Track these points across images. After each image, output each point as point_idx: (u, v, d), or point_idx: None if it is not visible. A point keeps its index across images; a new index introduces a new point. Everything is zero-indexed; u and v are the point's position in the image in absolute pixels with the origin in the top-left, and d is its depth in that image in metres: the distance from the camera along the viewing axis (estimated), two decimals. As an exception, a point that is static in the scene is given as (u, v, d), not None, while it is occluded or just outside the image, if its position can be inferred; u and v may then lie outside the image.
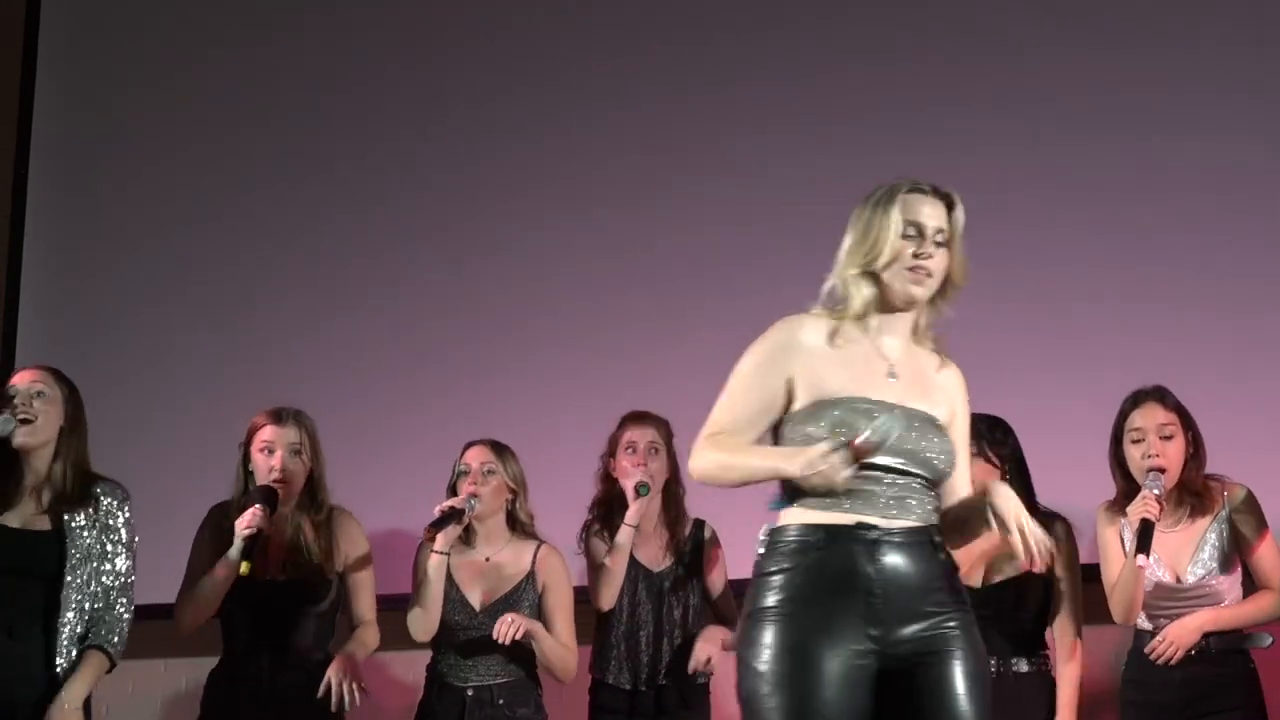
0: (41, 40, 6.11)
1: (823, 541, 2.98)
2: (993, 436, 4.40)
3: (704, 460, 3.08)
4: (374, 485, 4.98)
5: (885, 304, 3.11)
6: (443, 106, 5.74)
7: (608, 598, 4.55)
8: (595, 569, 4.58)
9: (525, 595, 4.44)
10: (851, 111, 5.44)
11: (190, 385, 5.61)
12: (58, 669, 4.00)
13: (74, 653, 4.03)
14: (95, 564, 4.08)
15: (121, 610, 4.11)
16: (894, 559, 2.96)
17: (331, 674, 4.17)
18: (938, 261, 3.06)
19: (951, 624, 2.98)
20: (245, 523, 4.12)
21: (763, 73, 5.54)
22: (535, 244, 5.56)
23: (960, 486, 3.16)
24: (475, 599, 4.42)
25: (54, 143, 6.01)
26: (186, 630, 4.28)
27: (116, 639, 4.09)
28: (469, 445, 4.52)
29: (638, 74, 5.63)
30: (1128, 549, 4.26)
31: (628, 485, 4.54)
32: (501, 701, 4.37)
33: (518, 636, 4.29)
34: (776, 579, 3.00)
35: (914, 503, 3.02)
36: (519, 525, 4.51)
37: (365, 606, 4.38)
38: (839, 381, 3.04)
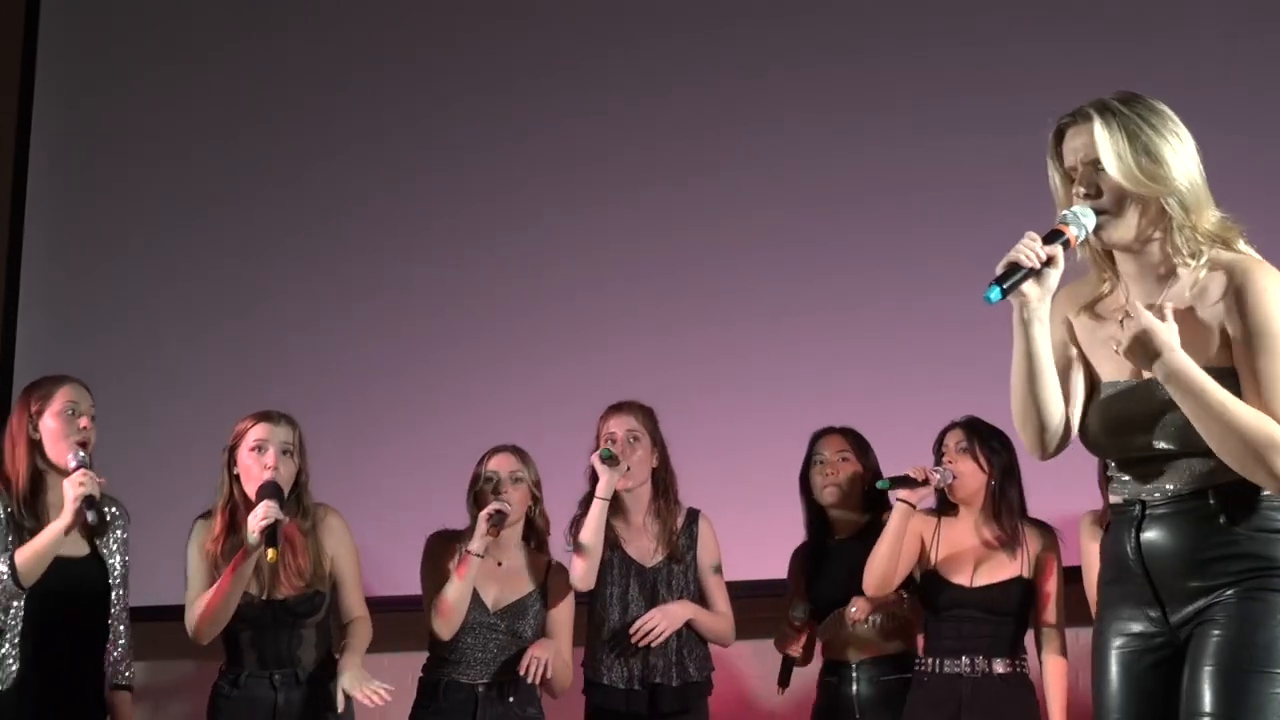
0: (41, 41, 6.10)
1: (1109, 529, 2.87)
2: (989, 443, 4.48)
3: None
4: (364, 487, 4.98)
5: (1109, 255, 2.84)
6: (433, 106, 5.72)
7: (583, 575, 4.47)
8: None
9: (534, 605, 4.50)
10: (842, 105, 5.41)
11: (183, 386, 5.60)
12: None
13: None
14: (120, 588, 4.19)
15: (127, 636, 4.24)
16: (1155, 534, 2.75)
17: (346, 688, 4.17)
18: (1103, 186, 2.75)
19: (1226, 594, 2.69)
20: (261, 515, 4.06)
21: (749, 70, 5.51)
22: (523, 243, 5.54)
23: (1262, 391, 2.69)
24: (488, 598, 4.45)
25: (53, 144, 6.01)
26: (206, 641, 4.25)
27: (130, 670, 4.24)
28: (493, 452, 4.53)
29: (626, 73, 5.61)
30: None
31: (595, 461, 4.48)
32: (512, 699, 4.41)
33: (548, 675, 4.38)
34: (1100, 568, 2.93)
35: (1180, 469, 2.75)
36: (534, 533, 4.56)
37: (356, 602, 4.38)
38: (1098, 368, 2.87)
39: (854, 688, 4.50)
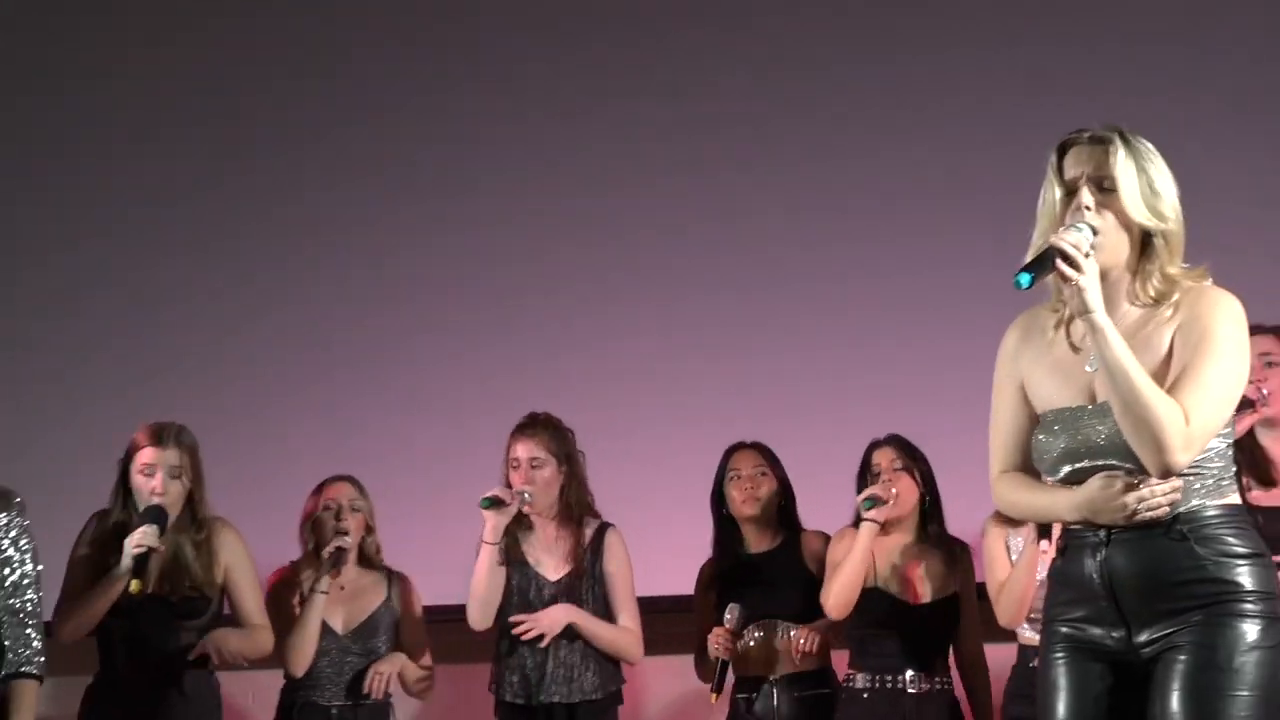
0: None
1: (1064, 549, 2.91)
2: (919, 460, 4.58)
3: (1003, 505, 3.03)
4: (262, 502, 4.93)
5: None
6: (351, 111, 5.62)
7: (476, 618, 4.53)
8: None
9: (383, 620, 4.62)
10: (763, 122, 5.40)
11: (82, 395, 5.52)
12: None
13: None
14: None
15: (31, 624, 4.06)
16: (1122, 558, 2.79)
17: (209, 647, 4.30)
18: (1103, 212, 2.80)
19: (1194, 619, 2.75)
20: (135, 541, 4.16)
21: (672, 84, 5.47)
22: (438, 254, 5.49)
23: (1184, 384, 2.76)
24: (337, 624, 4.57)
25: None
26: (66, 641, 4.29)
27: (38, 655, 4.03)
28: (331, 482, 4.65)
29: (547, 84, 5.55)
30: (1014, 559, 4.34)
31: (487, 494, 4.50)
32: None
33: (389, 688, 4.54)
34: (1048, 586, 2.98)
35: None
36: (367, 558, 4.67)
37: (255, 610, 4.45)
38: (1045, 391, 2.90)
39: (774, 703, 4.53)
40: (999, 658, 4.64)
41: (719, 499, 4.73)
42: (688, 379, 5.29)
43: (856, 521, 4.52)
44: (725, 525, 4.73)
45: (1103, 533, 2.81)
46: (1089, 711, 2.83)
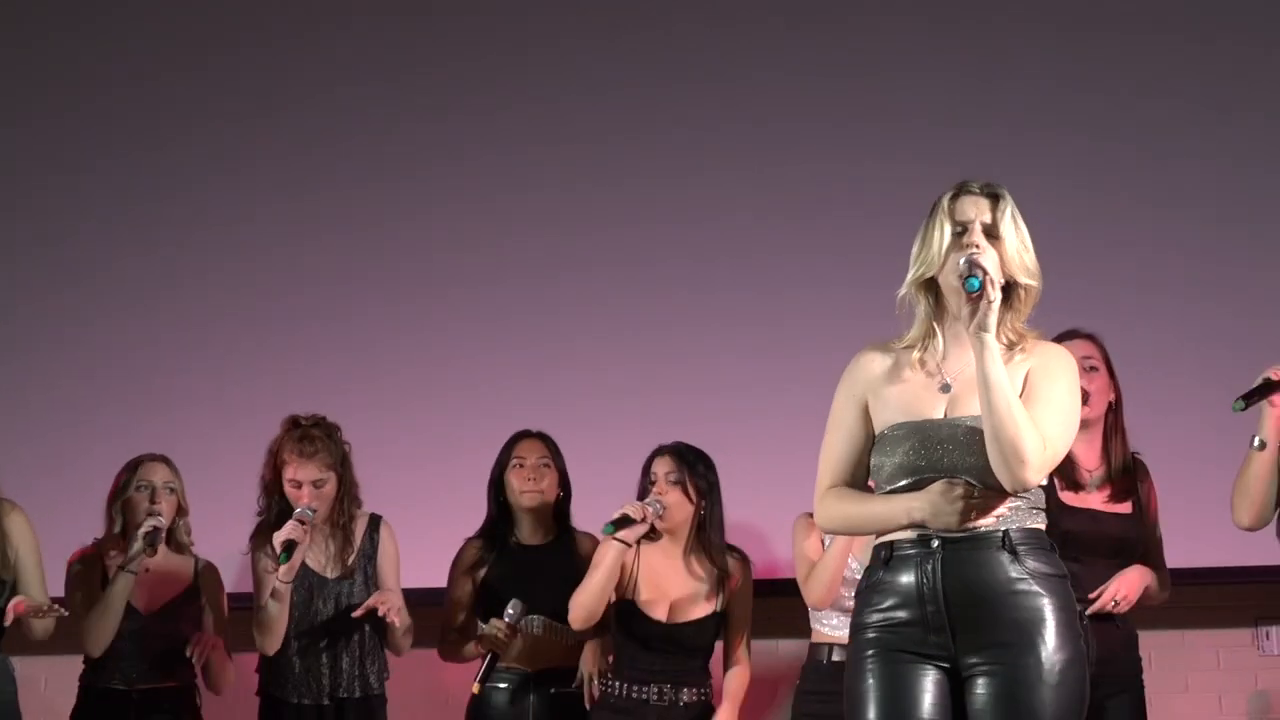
0: None
1: (889, 556, 3.09)
2: (698, 472, 4.47)
3: (829, 518, 3.23)
4: (70, 483, 4.94)
5: (947, 313, 3.16)
6: (154, 124, 5.54)
7: (269, 644, 4.45)
8: (258, 608, 4.48)
9: (188, 605, 4.57)
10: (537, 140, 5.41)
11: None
12: None
13: None
14: None
15: None
16: (951, 568, 3.04)
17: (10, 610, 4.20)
18: (987, 255, 3.08)
19: (1015, 628, 3.01)
20: None
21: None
22: (200, 246, 5.46)
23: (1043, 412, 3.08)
24: (140, 604, 4.49)
25: None
26: None
27: None
28: (146, 460, 4.56)
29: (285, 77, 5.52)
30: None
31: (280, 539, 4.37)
32: (166, 705, 4.49)
33: (210, 656, 4.45)
34: (863, 597, 3.13)
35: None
36: (175, 544, 4.59)
37: (40, 596, 4.34)
38: (892, 410, 3.14)
39: (528, 698, 4.52)
40: (790, 653, 4.73)
41: (498, 486, 4.64)
42: (461, 371, 5.26)
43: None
44: (502, 513, 4.65)
45: (935, 542, 3.04)
46: (902, 714, 3.01)
